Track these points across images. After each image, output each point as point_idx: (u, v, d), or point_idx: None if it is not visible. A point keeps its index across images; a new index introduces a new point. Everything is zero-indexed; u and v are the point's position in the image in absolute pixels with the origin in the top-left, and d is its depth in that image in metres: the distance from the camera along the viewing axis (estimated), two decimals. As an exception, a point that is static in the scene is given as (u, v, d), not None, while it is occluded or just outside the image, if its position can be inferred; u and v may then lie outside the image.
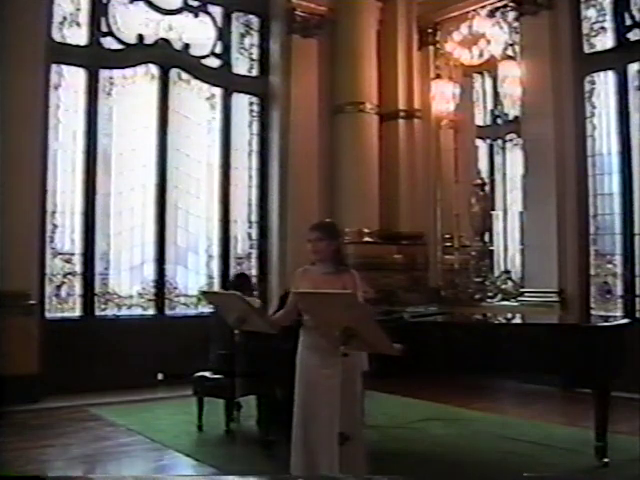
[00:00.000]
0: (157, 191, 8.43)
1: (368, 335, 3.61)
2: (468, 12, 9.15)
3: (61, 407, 6.79)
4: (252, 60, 9.38)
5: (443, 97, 9.43)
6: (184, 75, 8.71)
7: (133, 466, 5.21)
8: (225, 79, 9.05)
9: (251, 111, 9.33)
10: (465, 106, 9.52)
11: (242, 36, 9.31)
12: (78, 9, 8.02)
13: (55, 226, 7.76)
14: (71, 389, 7.11)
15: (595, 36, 8.14)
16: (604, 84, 8.05)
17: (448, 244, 9.42)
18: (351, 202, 9.19)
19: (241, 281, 6.32)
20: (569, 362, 5.13)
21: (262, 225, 9.27)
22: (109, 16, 8.23)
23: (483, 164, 9.54)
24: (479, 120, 9.66)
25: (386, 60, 9.69)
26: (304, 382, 4.09)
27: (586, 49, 8.19)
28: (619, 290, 7.87)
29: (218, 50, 9.09)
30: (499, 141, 9.46)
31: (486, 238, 9.13)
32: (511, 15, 8.78)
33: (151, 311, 8.38)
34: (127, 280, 8.26)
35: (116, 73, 8.20)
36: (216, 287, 8.76)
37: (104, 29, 8.20)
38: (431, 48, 9.69)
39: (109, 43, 8.22)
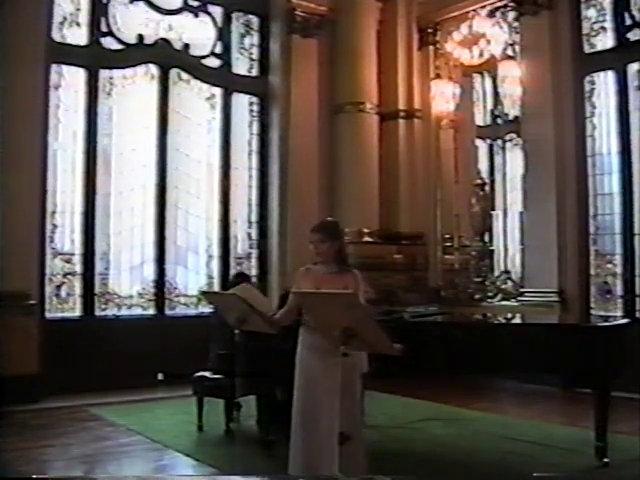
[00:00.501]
0: (157, 191, 8.43)
1: (368, 335, 3.61)
2: (468, 12, 9.16)
3: (61, 407, 6.79)
4: (252, 60, 9.38)
5: (443, 97, 9.44)
6: (184, 75, 8.70)
7: (133, 466, 5.20)
8: (225, 79, 9.05)
9: (251, 111, 9.33)
10: (465, 106, 9.52)
11: (242, 36, 9.31)
12: (78, 9, 8.02)
13: (55, 226, 7.76)
14: (71, 389, 7.11)
15: (595, 36, 8.14)
16: (604, 84, 8.05)
17: (448, 244, 9.42)
18: (351, 202, 9.18)
19: (240, 281, 6.31)
20: (569, 362, 5.13)
21: (262, 225, 9.27)
22: (109, 16, 8.23)
23: (483, 164, 9.53)
24: (479, 120, 9.66)
25: (386, 60, 9.69)
26: (304, 382, 4.09)
27: (586, 49, 8.19)
28: (619, 290, 7.87)
29: (218, 50, 9.08)
30: (499, 141, 9.46)
31: (486, 238, 9.13)
32: (511, 15, 8.78)
33: (151, 311, 8.38)
34: (127, 280, 8.26)
35: (116, 73, 8.20)
36: (216, 287, 8.76)
37: (104, 29, 8.20)
38: (431, 48, 9.70)
39: (109, 43, 8.22)
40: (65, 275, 7.83)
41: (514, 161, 9.12)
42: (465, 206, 9.13)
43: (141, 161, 8.39)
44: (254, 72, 9.38)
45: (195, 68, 8.78)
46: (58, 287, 7.79)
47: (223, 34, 9.12)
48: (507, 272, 8.99)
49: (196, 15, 8.93)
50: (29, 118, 7.13)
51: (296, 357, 4.16)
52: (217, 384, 5.89)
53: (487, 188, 9.21)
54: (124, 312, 8.18)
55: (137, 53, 8.36)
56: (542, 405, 7.27)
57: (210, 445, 5.76)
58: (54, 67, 7.72)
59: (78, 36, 8.01)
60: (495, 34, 8.90)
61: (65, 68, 7.87)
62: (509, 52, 8.77)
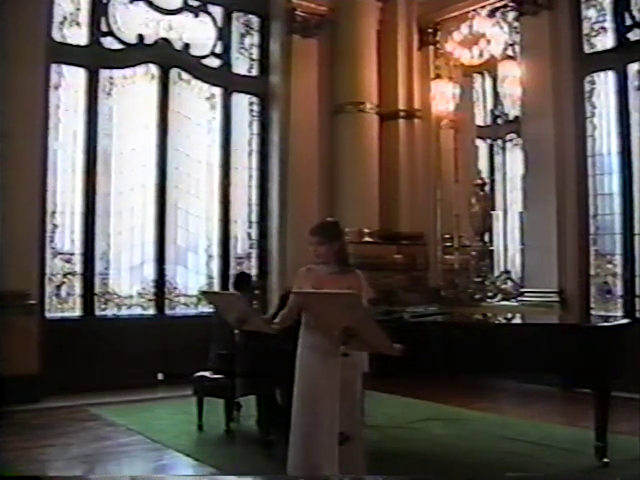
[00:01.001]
0: (157, 191, 8.43)
1: (368, 335, 3.61)
2: (468, 12, 9.16)
3: (61, 407, 6.80)
4: (252, 60, 9.38)
5: (443, 97, 9.44)
6: (184, 75, 8.70)
7: (133, 466, 5.20)
8: (225, 79, 9.05)
9: (251, 111, 9.33)
10: (465, 106, 9.52)
11: (242, 36, 9.31)
12: (78, 9, 8.02)
13: (55, 226, 7.75)
14: (71, 389, 7.11)
15: (595, 36, 8.14)
16: (604, 84, 8.05)
17: (448, 244, 9.43)
18: (351, 202, 9.18)
19: (242, 281, 6.32)
20: (569, 362, 5.13)
21: (262, 225, 9.27)
22: (109, 16, 8.23)
23: (483, 164, 9.54)
24: (479, 120, 9.66)
25: (386, 60, 9.69)
26: (304, 382, 4.09)
27: (586, 49, 8.19)
28: (619, 290, 7.87)
29: (218, 50, 9.08)
30: (499, 141, 9.47)
31: (486, 238, 9.13)
32: (511, 15, 8.79)
33: (151, 311, 8.37)
34: (127, 280, 8.26)
35: (116, 73, 8.20)
36: (216, 287, 8.76)
37: (104, 29, 8.20)
38: (431, 48, 9.70)
39: (109, 43, 8.22)
40: (65, 275, 7.83)
41: (514, 161, 9.13)
42: (465, 206, 9.13)
43: (141, 161, 8.39)
44: (254, 72, 9.39)
45: (195, 68, 8.78)
46: (58, 287, 7.79)
47: (223, 34, 9.12)
48: (507, 272, 9.00)
49: (196, 15, 8.94)
50: (29, 118, 7.12)
51: (296, 357, 4.16)
52: (217, 384, 5.90)
53: (487, 188, 9.22)
54: (124, 312, 8.18)
55: (137, 53, 8.36)
56: (542, 405, 7.28)
57: (210, 445, 5.76)
58: (54, 67, 7.71)
59: (78, 36, 8.01)
60: (495, 34, 8.90)
61: (65, 68, 7.87)
62: (509, 52, 8.78)
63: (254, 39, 9.40)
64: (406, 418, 6.59)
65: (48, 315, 7.59)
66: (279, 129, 9.23)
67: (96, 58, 8.05)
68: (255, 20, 9.40)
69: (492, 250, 9.19)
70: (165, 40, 8.58)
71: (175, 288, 8.57)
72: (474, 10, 9.09)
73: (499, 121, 9.46)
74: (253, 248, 9.25)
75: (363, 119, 9.46)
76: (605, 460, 4.95)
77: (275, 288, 8.87)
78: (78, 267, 7.90)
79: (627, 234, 7.81)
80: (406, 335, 4.27)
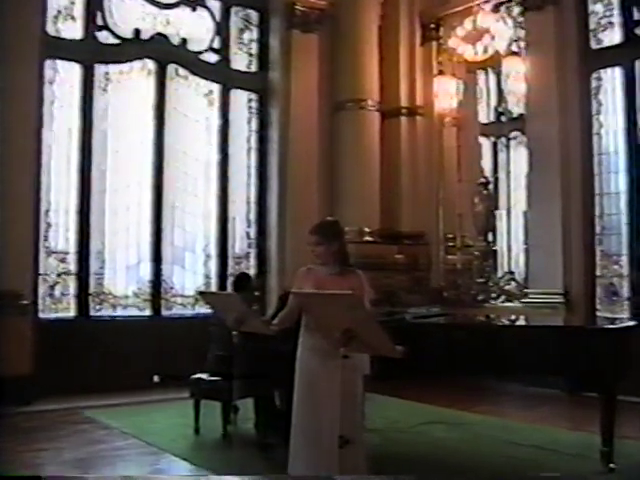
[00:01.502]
0: (153, 189, 8.42)
1: (369, 337, 3.60)
2: (472, 7, 9.13)
3: (54, 409, 6.77)
4: (251, 56, 9.37)
5: (446, 94, 9.44)
6: (181, 71, 8.69)
7: (128, 470, 5.18)
8: (223, 75, 9.04)
9: (250, 108, 9.32)
10: (468, 103, 9.52)
11: (241, 31, 9.30)
12: (73, 2, 8.01)
13: (49, 224, 7.74)
14: (65, 391, 7.09)
15: (602, 31, 8.13)
16: (611, 80, 8.03)
17: (451, 244, 9.43)
18: (351, 201, 9.17)
19: (242, 282, 6.30)
20: (574, 365, 5.10)
21: (261, 224, 9.27)
22: (105, 10, 8.21)
23: (487, 162, 9.54)
24: (483, 117, 9.66)
25: (388, 56, 9.68)
26: (304, 384, 4.07)
27: (593, 45, 8.18)
28: (625, 291, 7.85)
29: (216, 45, 9.07)
30: (503, 139, 9.46)
31: (489, 238, 9.13)
32: (516, 10, 8.77)
33: (147, 312, 8.36)
34: (123, 280, 8.25)
35: (112, 68, 8.18)
36: (214, 287, 8.77)
37: (100, 23, 8.18)
38: (434, 44, 9.70)
39: (105, 37, 8.21)
40: (59, 274, 7.81)
41: (518, 159, 9.12)
42: (468, 205, 9.12)
43: (137, 158, 8.38)
44: (253, 68, 9.38)
45: (193, 64, 8.77)
46: (52, 287, 7.77)
47: (221, 29, 9.11)
48: (511, 273, 8.99)
49: (194, 9, 8.92)
50: (23, 114, 7.10)
51: (296, 359, 4.15)
52: (214, 386, 5.88)
53: (490, 187, 9.22)
54: (119, 312, 8.17)
55: (133, 48, 8.35)
56: (546, 409, 7.26)
57: (207, 449, 5.74)
58: (48, 62, 7.70)
59: (73, 30, 7.99)
60: (499, 30, 8.88)
61: (60, 63, 7.85)
62: (514, 48, 8.75)
63: (253, 34, 9.39)
64: (408, 421, 6.58)
65: (42, 315, 7.57)
66: (278, 126, 9.22)
67: (91, 53, 8.04)
68: (254, 15, 9.39)
69: (495, 250, 9.18)
70: (162, 35, 8.57)
71: (172, 288, 8.56)
72: (478, 5, 9.07)
73: (503, 118, 9.46)
74: (252, 247, 9.25)
75: (364, 116, 9.45)
76: (611, 465, 4.92)
77: (274, 288, 8.86)
78: (73, 266, 7.89)
79: (634, 234, 7.80)
80: (408, 337, 4.25)
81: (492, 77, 9.51)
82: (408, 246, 9.54)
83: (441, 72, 9.52)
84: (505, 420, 6.78)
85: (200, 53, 8.90)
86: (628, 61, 7.86)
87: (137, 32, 8.41)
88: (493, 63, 9.16)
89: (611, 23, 8.05)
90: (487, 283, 8.98)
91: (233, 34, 9.22)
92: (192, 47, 8.82)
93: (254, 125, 9.33)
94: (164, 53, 8.54)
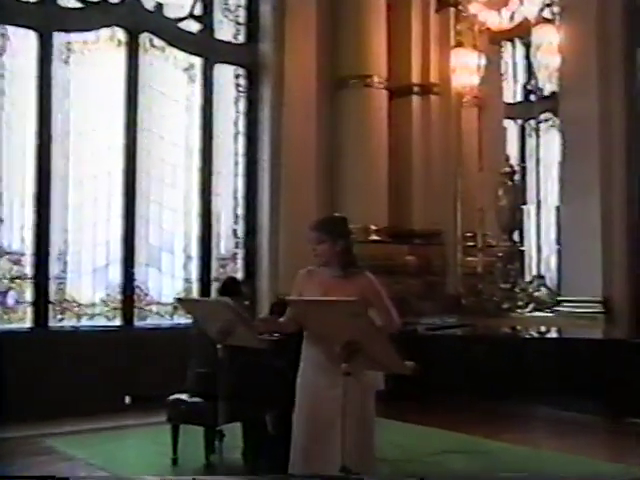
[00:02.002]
0: (125, 179, 8.41)
1: (374, 350, 3.59)
2: (496, -33, 9.15)
3: (8, 438, 6.74)
4: (238, 24, 9.37)
5: (465, 69, 9.44)
6: (157, 41, 8.68)
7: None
8: (206, 47, 9.03)
9: (237, 85, 9.32)
10: (492, 80, 9.54)
11: (227, -5, 9.32)
12: (27, -41, 7.99)
13: (0, 220, 7.73)
14: (20, 416, 7.03)
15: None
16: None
17: (470, 244, 9.46)
18: (355, 193, 9.19)
19: (230, 288, 6.30)
20: (615, 385, 5.10)
21: (250, 220, 9.27)
22: (66, -31, 8.21)
23: (513, 149, 9.57)
24: (508, 96, 9.68)
25: (398, 25, 9.69)
26: (306, 405, 4.07)
27: (640, 9, 8.17)
28: (676, 299, 7.86)
29: (198, 12, 9.07)
30: (532, 121, 9.49)
31: (515, 237, 9.15)
32: (548, -31, 8.77)
33: (117, 322, 8.35)
34: (89, 285, 8.24)
35: (74, 37, 8.15)
36: (195, 293, 8.77)
37: (60, -17, 8.17)
38: (452, 10, 9.71)
39: (65, 0, 8.17)
40: (13, 279, 7.79)
41: (550, 145, 9.14)
42: (491, 199, 9.15)
43: (106, 143, 8.36)
44: (241, 38, 9.37)
45: (170, 33, 8.76)
46: (4, 293, 7.75)
47: (204, -8, 9.11)
48: (541, 277, 9.01)
49: (172, -31, 8.92)
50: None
51: (298, 375, 4.14)
52: (196, 409, 5.87)
53: (517, 177, 9.23)
54: (85, 323, 8.16)
55: (100, 14, 8.33)
56: (583, 436, 7.23)
57: (187, 482, 5.74)
58: (-1, 28, 7.69)
59: (28, -9, 7.99)
60: (529, -8, 8.90)
61: (11, 30, 7.81)
62: (546, 14, 8.75)
63: (241, -1, 9.41)
64: (421, 450, 6.57)
65: (-7, 327, 7.56)
66: (270, 107, 9.22)
67: (49, 19, 8.00)
68: (242, -24, 9.41)
69: (522, 251, 9.21)
70: (134, -2, 8.57)
71: (146, 295, 8.56)
72: (503, -36, 9.07)
73: (532, 98, 9.48)
74: (239, 248, 9.25)
75: (370, 95, 9.47)
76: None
77: (265, 295, 8.87)
78: (29, 270, 7.87)
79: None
80: (420, 351, 4.25)
81: (520, 49, 9.54)
82: (420, 246, 9.56)
83: (460, 44, 9.52)
84: (534, 449, 6.77)
85: (179, 21, 8.89)
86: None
87: (105, -5, 8.41)
88: (521, 32, 9.17)
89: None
90: (513, 289, 9.00)
91: (218, -1, 9.24)
92: (169, 13, 8.81)
93: (242, 106, 9.33)
94: (136, 20, 8.52)
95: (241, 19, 9.39)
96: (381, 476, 4.21)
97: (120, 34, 8.45)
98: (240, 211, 9.28)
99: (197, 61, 9.01)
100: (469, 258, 9.46)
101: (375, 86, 9.47)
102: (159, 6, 8.73)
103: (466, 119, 9.62)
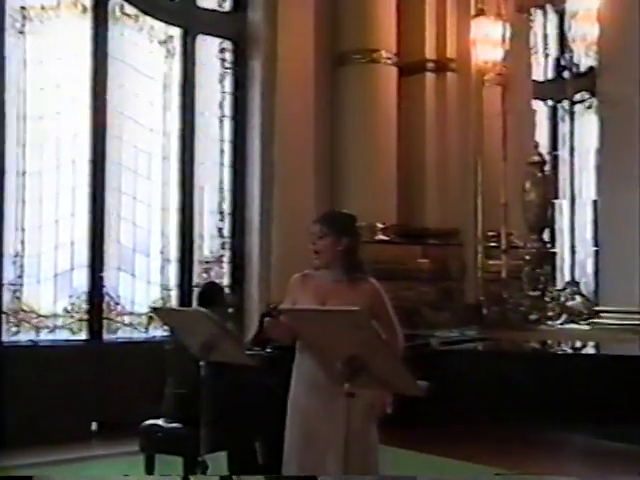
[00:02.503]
0: (92, 169, 8.39)
1: (381, 368, 3.59)
2: None
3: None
4: (224, -11, 9.40)
5: (488, 41, 9.44)
6: (128, 8, 8.67)
7: None
8: (187, 16, 9.04)
9: (223, 61, 9.33)
10: (518, 54, 9.53)
11: (210, -45, 9.33)
12: None
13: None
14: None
15: None
16: None
17: (492, 245, 9.46)
18: (359, 186, 9.21)
19: (211, 295, 6.30)
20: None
21: (238, 217, 9.27)
22: None
23: (542, 135, 9.56)
24: (538, 73, 9.67)
25: (409, -9, 9.71)
26: (298, 432, 4.08)
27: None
28: None
29: (177, -26, 9.09)
30: (565, 102, 9.48)
31: (546, 236, 9.14)
32: None
33: (83, 335, 8.34)
34: (49, 293, 8.23)
35: (30, 2, 8.13)
36: (174, 302, 8.77)
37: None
38: (472, -27, 9.72)
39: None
40: (-40, 286, 7.82)
41: (586, 130, 9.15)
42: (517, 193, 9.16)
43: (69, 128, 8.35)
44: (226, 6, 9.38)
45: None
46: (-50, 303, 7.78)
47: (184, -48, 9.13)
48: (575, 283, 9.01)
49: None
50: None
51: (289, 396, 4.15)
52: (174, 436, 5.86)
53: (548, 168, 9.23)
54: (45, 337, 8.14)
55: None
56: (622, 468, 7.25)
57: (163, 521, 5.75)
58: None
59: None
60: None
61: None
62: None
63: (227, -41, 9.42)
64: (435, 484, 6.59)
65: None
66: (261, 87, 9.23)
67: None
68: None
69: (554, 253, 9.22)
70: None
71: (117, 304, 8.55)
72: None
73: (566, 75, 9.46)
74: (225, 249, 9.26)
75: (376, 73, 9.48)
76: None
77: (255, 304, 8.88)
78: (-21, 275, 7.89)
79: None
80: (434, 369, 4.27)
81: (552, 18, 9.52)
82: (435, 247, 9.59)
83: (481, 12, 9.54)
84: (567, 483, 6.79)
85: (155, -15, 8.92)
86: None
87: (66, -47, 8.41)
88: (553, -2, 9.18)
89: None
90: (542, 297, 9.00)
91: (200, -41, 9.25)
92: (144, -24, 8.83)
93: (228, 85, 9.34)
94: (105, -16, 8.54)
95: (227, -17, 9.42)
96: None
97: (85, -1, 8.47)
98: (226, 207, 9.29)
99: (176, 32, 9.01)
100: (491, 261, 9.47)
101: (382, 62, 9.48)
102: (132, -33, 8.75)
103: (488, 100, 9.64)
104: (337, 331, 3.61)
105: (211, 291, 6.48)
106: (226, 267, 9.25)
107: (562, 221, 9.30)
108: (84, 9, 8.41)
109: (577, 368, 5.84)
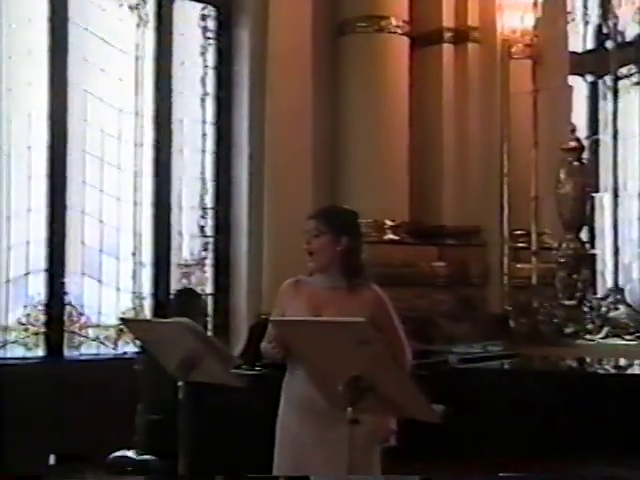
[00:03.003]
0: (51, 157, 8.40)
1: (390, 390, 3.61)
2: None
3: None
4: (206, -55, 9.42)
5: (516, 7, 9.45)
6: (94, -33, 8.71)
7: None
8: (162, -25, 9.07)
9: (204, 30, 9.35)
10: (552, 21, 9.53)
11: None
12: None
13: None
14: None
15: None
16: None
17: (521, 245, 9.45)
18: (365, 177, 9.23)
19: (185, 302, 6.32)
20: None
21: (222, 213, 9.29)
22: None
23: (581, 116, 9.55)
24: (576, 44, 9.66)
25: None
26: (289, 465, 4.10)
27: None
28: None
29: None
30: (608, 78, 9.47)
31: (584, 236, 9.14)
32: None
33: (40, 352, 8.36)
34: (0, 302, 8.26)
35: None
36: (148, 312, 8.80)
37: None
38: None
39: None
40: None
41: (632, 111, 9.14)
42: (550, 185, 9.15)
43: (22, 107, 8.36)
44: (209, -34, 9.41)
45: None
46: None
47: None
48: (618, 290, 9.01)
49: None
50: None
51: (277, 423, 4.17)
52: (147, 470, 5.89)
53: (587, 155, 9.22)
54: (-5, 354, 8.19)
55: None
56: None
57: None
58: None
59: None
60: None
61: None
62: None
63: None
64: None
65: None
66: (250, 60, 9.24)
67: None
68: None
69: (594, 255, 9.20)
70: None
71: (81, 314, 8.55)
72: None
73: (609, 45, 9.46)
74: (208, 250, 9.27)
75: (385, 44, 9.50)
76: None
77: (243, 313, 8.92)
78: None
79: None
80: (452, 390, 4.29)
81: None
82: (453, 248, 9.63)
83: (509, -28, 9.56)
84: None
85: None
86: None
87: None
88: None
89: None
90: (580, 307, 9.00)
91: None
92: None
93: (211, 58, 9.36)
94: None
95: (209, -63, 9.44)
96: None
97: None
98: (209, 201, 9.32)
99: (149, -5, 9.06)
100: (519, 264, 9.47)
101: (392, 31, 9.48)
102: None
103: (516, 76, 9.61)
104: (338, 346, 3.62)
105: (186, 298, 6.50)
106: (209, 272, 9.27)
107: (603, 218, 9.29)
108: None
109: (622, 390, 5.86)
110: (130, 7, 8.92)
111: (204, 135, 9.32)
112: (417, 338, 7.31)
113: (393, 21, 9.48)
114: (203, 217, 9.29)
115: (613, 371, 6.71)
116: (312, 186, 8.98)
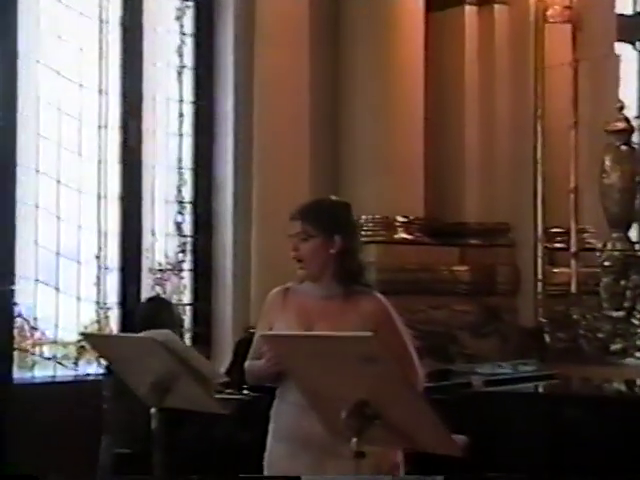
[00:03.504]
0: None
1: (402, 417, 3.62)
2: None
3: None
4: None
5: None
6: None
7: None
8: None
9: (181, -6, 9.39)
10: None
11: None
12: None
13: None
14: None
15: None
16: None
17: (558, 245, 9.46)
18: (372, 166, 9.26)
19: (156, 312, 6.33)
20: None
21: (203, 208, 9.31)
22: None
23: (630, 91, 9.57)
24: (625, 6, 9.67)
25: None
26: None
27: None
28: None
29: None
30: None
31: (633, 234, 9.15)
32: None
33: (-14, 373, 8.39)
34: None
35: None
36: (114, 326, 8.82)
37: None
38: None
39: None
40: None
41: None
42: (592, 174, 9.16)
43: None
44: None
45: None
46: None
47: None
48: (675, 300, 9.04)
49: None
50: None
51: (264, 457, 4.18)
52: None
53: (637, 138, 9.23)
54: None
55: None
56: None
57: None
58: None
59: None
60: None
61: None
62: None
63: None
64: None
65: None
66: (235, 24, 9.26)
67: None
68: None
69: (645, 258, 9.23)
70: None
71: (34, 329, 8.57)
72: None
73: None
74: (186, 252, 9.29)
75: (396, 5, 9.48)
76: None
77: (227, 325, 8.94)
78: None
79: None
80: (476, 418, 4.29)
81: None
82: (477, 249, 9.63)
83: None
84: None
85: None
86: None
87: None
88: None
89: None
90: (629, 319, 9.01)
91: None
92: None
93: (189, 22, 9.38)
94: None
95: None
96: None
97: None
98: (187, 194, 9.33)
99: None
100: (556, 269, 9.49)
101: (404, -9, 9.53)
102: None
103: (552, 43, 9.63)
104: (340, 366, 3.62)
105: (155, 307, 6.50)
106: (187, 277, 9.29)
107: (656, 214, 9.32)
108: None
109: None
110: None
111: (181, 116, 9.33)
112: (434, 356, 7.35)
113: (405, -21, 9.53)
114: (180, 213, 9.31)
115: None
116: (308, 174, 9.00)
